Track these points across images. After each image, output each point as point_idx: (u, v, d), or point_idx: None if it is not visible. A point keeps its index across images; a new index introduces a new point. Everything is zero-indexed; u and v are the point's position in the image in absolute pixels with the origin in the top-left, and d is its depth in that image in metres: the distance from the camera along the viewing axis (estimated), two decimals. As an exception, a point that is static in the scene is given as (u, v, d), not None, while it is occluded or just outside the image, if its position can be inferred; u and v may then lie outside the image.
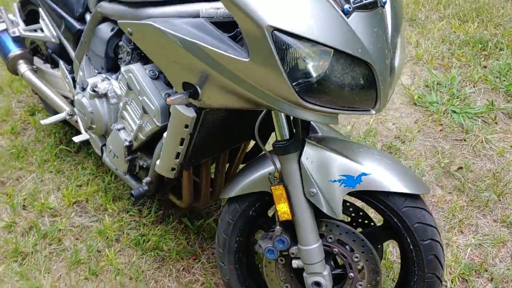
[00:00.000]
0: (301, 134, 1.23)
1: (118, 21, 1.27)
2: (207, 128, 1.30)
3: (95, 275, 1.68)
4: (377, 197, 1.23)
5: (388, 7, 1.07)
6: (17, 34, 1.90)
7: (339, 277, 1.34)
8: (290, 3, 0.92)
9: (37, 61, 2.07)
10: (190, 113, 1.20)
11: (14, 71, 1.98)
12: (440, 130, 2.28)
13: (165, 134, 1.31)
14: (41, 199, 1.97)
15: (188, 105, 1.20)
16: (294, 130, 1.20)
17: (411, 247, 1.25)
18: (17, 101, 2.57)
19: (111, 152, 1.59)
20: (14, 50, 1.95)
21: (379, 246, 1.40)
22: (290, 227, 1.25)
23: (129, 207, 1.92)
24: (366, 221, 1.40)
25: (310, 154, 1.18)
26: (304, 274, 1.27)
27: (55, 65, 1.96)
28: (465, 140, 2.22)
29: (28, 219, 1.89)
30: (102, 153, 1.73)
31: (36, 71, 1.99)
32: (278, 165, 1.21)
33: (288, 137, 1.18)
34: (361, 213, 1.39)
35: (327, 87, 0.99)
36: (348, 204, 1.38)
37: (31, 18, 2.01)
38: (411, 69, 2.69)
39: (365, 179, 1.18)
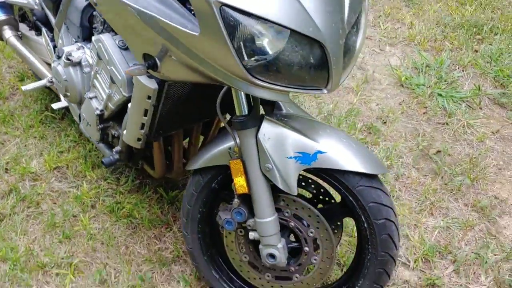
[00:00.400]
0: (264, 110, 1.25)
1: (86, -10, 1.28)
2: (173, 100, 1.32)
3: (69, 239, 1.73)
4: (333, 175, 1.25)
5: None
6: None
7: (296, 251, 1.38)
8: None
9: (24, 27, 2.09)
10: (152, 85, 1.22)
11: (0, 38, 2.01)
12: (424, 113, 2.29)
13: (129, 105, 1.33)
14: (23, 163, 2.02)
15: (151, 76, 1.22)
16: (253, 106, 1.21)
17: (365, 225, 1.27)
18: (8, 66, 2.59)
19: (85, 120, 1.62)
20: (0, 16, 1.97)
21: (338, 223, 1.43)
22: (248, 200, 1.28)
23: (107, 175, 1.96)
24: (326, 198, 1.42)
25: (267, 130, 1.20)
26: (260, 246, 1.31)
27: (39, 32, 1.98)
28: (447, 124, 2.22)
29: (9, 182, 1.94)
30: (80, 121, 1.76)
31: (21, 37, 2.01)
32: (238, 141, 1.23)
33: (246, 113, 1.20)
34: (322, 190, 1.41)
35: (277, 65, 1.00)
36: (310, 181, 1.40)
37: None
38: (402, 50, 2.67)
39: (321, 157, 1.20)
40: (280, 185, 1.21)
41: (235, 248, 1.42)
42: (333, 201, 1.42)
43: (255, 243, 1.35)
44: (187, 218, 1.44)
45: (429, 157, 2.06)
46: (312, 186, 1.42)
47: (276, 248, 1.28)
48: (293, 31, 0.97)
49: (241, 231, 1.37)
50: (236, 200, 1.29)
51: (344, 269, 1.61)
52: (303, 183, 1.40)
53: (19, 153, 2.07)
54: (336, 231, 1.42)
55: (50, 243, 1.73)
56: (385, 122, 2.22)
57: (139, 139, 1.40)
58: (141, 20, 1.06)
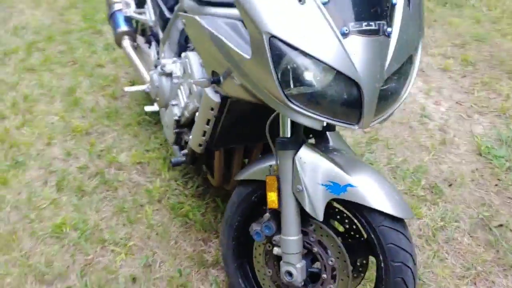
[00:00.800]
0: (305, 137, 1.38)
1: (179, 13, 1.53)
2: (233, 116, 1.50)
3: (131, 223, 1.98)
4: (360, 211, 1.32)
5: (395, 37, 1.17)
6: (128, 14, 2.30)
7: (315, 277, 1.45)
8: (290, 16, 1.09)
9: (141, 40, 2.46)
10: (216, 98, 1.42)
11: (119, 44, 2.38)
12: (496, 185, 2.21)
13: (197, 113, 1.54)
14: (113, 153, 2.34)
15: (217, 92, 1.42)
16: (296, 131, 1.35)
17: (382, 265, 1.31)
18: (125, 72, 3.01)
19: (165, 123, 1.88)
20: (122, 27, 2.35)
21: (364, 261, 1.48)
22: (278, 216, 1.40)
23: (178, 178, 2.20)
24: (357, 235, 1.48)
25: (304, 155, 1.32)
26: (281, 262, 1.41)
27: (151, 45, 2.32)
28: (518, 201, 2.13)
29: (98, 167, 2.26)
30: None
31: (136, 48, 2.37)
32: (278, 160, 1.37)
33: (289, 136, 1.33)
34: (354, 227, 1.48)
35: (315, 97, 1.13)
36: (345, 215, 1.48)
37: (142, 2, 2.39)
38: (491, 120, 2.61)
39: (351, 190, 1.28)
40: (307, 208, 1.31)
41: (261, 261, 1.53)
42: (362, 238, 1.47)
43: (279, 259, 1.45)
44: (226, 224, 1.59)
45: (488, 228, 1.99)
46: (346, 221, 1.49)
47: (294, 267, 1.37)
48: (332, 68, 1.10)
49: (269, 246, 1.49)
50: (267, 214, 1.42)
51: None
52: (338, 217, 1.48)
53: (113, 144, 2.40)
54: (361, 268, 1.47)
55: (115, 223, 1.98)
56: (451, 185, 2.19)
57: (200, 145, 1.60)
58: (212, 41, 1.27)
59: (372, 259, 1.52)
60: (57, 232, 1.93)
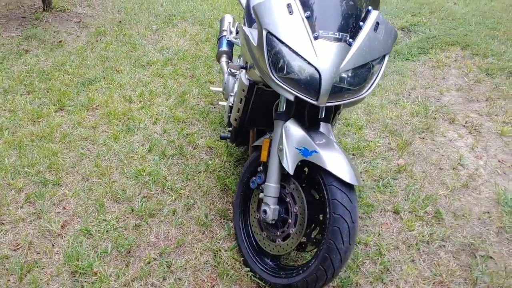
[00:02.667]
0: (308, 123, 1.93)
1: (239, 24, 2.24)
2: (259, 101, 2.12)
3: (188, 180, 2.66)
4: (320, 172, 1.81)
5: (355, 47, 1.71)
6: (229, 39, 3.09)
7: (284, 222, 1.94)
8: (282, 21, 1.70)
9: (236, 59, 3.23)
10: (246, 82, 2.06)
11: (218, 60, 3.18)
12: (500, 227, 2.43)
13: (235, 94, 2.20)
14: (194, 137, 3.08)
15: (248, 78, 2.06)
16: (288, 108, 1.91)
17: (327, 216, 1.77)
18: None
19: (225, 111, 2.56)
20: (223, 48, 3.14)
21: (314, 226, 1.93)
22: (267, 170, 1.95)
23: (231, 161, 2.84)
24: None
25: (289, 125, 1.87)
26: (262, 203, 1.94)
27: (241, 62, 3.07)
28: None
29: (181, 143, 3.02)
30: (227, 113, 2.71)
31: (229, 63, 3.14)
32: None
33: (282, 110, 1.91)
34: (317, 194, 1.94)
35: (289, 74, 1.71)
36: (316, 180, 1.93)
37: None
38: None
39: (315, 155, 1.79)
40: (283, 163, 1.85)
41: (254, 207, 2.08)
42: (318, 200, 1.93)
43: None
44: (239, 180, 2.18)
45: (474, 255, 2.24)
46: (316, 187, 1.95)
47: (269, 207, 1.90)
48: (304, 59, 1.68)
49: (259, 194, 2.03)
50: (260, 168, 1.99)
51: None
52: (306, 181, 1.96)
53: (197, 132, 3.15)
54: (312, 226, 1.93)
55: (176, 178, 2.69)
56: (454, 215, 2.47)
57: (235, 119, 2.24)
58: (245, 40, 1.93)
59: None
60: (136, 174, 2.69)
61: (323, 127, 1.97)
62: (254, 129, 2.35)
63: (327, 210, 1.78)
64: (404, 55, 4.54)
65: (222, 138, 2.48)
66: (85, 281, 2.02)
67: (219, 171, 2.75)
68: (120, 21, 5.19)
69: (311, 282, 1.81)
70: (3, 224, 2.33)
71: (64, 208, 2.44)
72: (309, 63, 1.68)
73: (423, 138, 3.20)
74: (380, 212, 2.50)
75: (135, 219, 2.38)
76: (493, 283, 2.09)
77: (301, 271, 1.87)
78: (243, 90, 2.10)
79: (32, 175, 2.66)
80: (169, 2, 5.87)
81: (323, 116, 1.94)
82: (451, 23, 5.40)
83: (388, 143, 3.11)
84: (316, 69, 1.68)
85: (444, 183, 2.73)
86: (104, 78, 3.85)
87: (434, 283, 2.09)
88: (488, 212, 2.53)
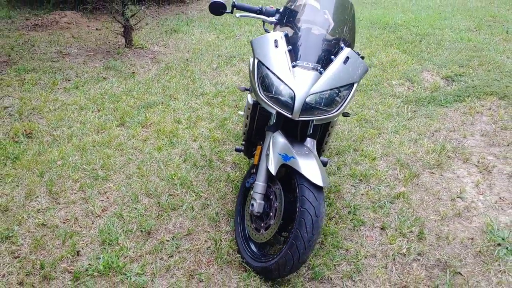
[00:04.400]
0: (299, 136, 2.37)
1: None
2: (262, 120, 2.59)
3: (208, 186, 3.15)
4: (296, 175, 2.23)
5: (325, 75, 2.15)
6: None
7: (267, 215, 2.36)
8: (269, 53, 2.20)
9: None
10: (250, 101, 2.55)
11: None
12: (479, 251, 2.64)
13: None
14: (223, 154, 3.59)
15: (252, 98, 2.55)
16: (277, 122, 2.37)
17: (297, 209, 2.17)
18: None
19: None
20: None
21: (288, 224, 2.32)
22: (259, 172, 2.40)
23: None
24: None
25: (276, 135, 2.32)
26: (251, 198, 2.38)
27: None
28: None
29: (212, 158, 3.54)
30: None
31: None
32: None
33: (272, 124, 2.36)
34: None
35: (271, 93, 2.18)
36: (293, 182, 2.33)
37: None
38: (520, 216, 2.95)
39: (293, 160, 2.22)
40: (268, 165, 2.28)
41: (248, 203, 2.52)
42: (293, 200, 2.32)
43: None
44: (242, 182, 2.64)
45: (446, 271, 2.48)
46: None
47: (256, 201, 2.33)
48: (283, 82, 2.15)
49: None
50: (253, 170, 2.44)
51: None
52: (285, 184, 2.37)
53: (226, 150, 3.66)
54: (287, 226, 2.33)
55: (201, 183, 3.19)
56: (437, 237, 2.72)
57: (244, 133, 2.72)
58: (249, 67, 2.44)
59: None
60: (169, 177, 3.23)
61: (308, 142, 2.41)
62: (261, 142, 2.81)
63: (297, 205, 2.18)
64: (439, 101, 4.80)
65: (237, 150, 2.97)
66: (110, 249, 2.54)
67: (237, 181, 3.22)
68: (187, 59, 5.96)
69: (281, 265, 2.19)
70: (59, 203, 2.94)
71: (107, 197, 3.02)
72: (286, 85, 2.15)
73: (432, 173, 3.46)
74: (369, 227, 2.82)
75: (159, 210, 2.90)
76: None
77: (275, 257, 2.26)
78: (249, 109, 2.59)
79: (87, 171, 3.29)
80: (233, 45, 6.60)
81: (310, 132, 2.38)
82: (497, 75, 5.56)
83: (396, 174, 3.41)
84: (292, 90, 2.14)
85: (437, 210, 2.98)
86: (162, 103, 4.53)
87: (398, 285, 2.37)
88: (472, 239, 2.75)
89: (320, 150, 2.71)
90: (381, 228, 2.80)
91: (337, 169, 3.45)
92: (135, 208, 2.90)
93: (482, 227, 2.85)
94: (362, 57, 2.39)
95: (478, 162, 3.59)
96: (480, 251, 2.64)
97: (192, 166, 3.41)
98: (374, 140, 3.92)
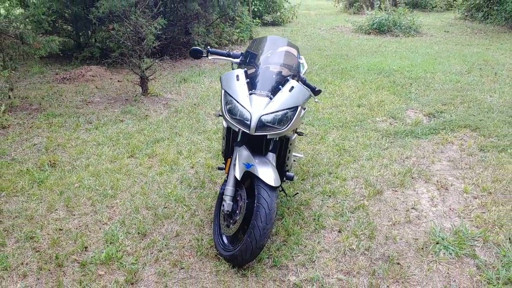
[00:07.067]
0: (264, 150, 2.99)
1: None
2: (233, 139, 3.21)
3: (214, 198, 3.74)
4: (255, 179, 2.81)
5: (275, 100, 2.78)
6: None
7: (234, 213, 2.92)
8: (232, 84, 2.86)
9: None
10: (225, 125, 3.18)
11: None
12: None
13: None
14: (216, 178, 4.20)
15: (225, 123, 3.19)
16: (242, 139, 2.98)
17: (255, 205, 2.74)
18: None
19: (226, 151, 3.69)
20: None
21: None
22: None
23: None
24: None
25: (241, 150, 2.93)
26: (223, 200, 2.96)
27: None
28: None
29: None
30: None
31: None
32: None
33: (238, 140, 2.98)
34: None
35: (234, 115, 2.82)
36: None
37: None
38: (459, 222, 3.41)
39: (253, 167, 2.82)
40: (235, 172, 2.87)
41: (220, 206, 3.09)
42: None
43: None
44: (220, 189, 3.23)
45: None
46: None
47: (226, 202, 2.91)
48: (241, 104, 2.79)
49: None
50: (226, 178, 3.03)
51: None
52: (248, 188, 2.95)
53: (218, 174, 4.27)
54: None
55: (191, 199, 3.78)
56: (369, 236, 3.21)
57: (222, 152, 3.34)
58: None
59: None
60: (166, 195, 3.84)
61: (270, 155, 3.01)
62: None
63: (255, 201, 2.75)
64: (416, 134, 5.34)
65: (219, 168, 3.57)
66: (112, 246, 3.13)
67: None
68: (195, 104, 6.71)
69: (243, 251, 2.74)
70: (73, 215, 3.58)
71: (113, 210, 3.64)
72: (245, 108, 2.79)
73: (395, 190, 3.97)
74: (328, 230, 3.34)
75: (155, 218, 3.49)
76: (385, 275, 2.80)
77: (239, 245, 2.81)
78: (223, 131, 3.23)
79: (99, 191, 3.94)
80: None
81: (270, 148, 2.99)
82: (475, 111, 6.09)
83: (362, 192, 3.93)
84: (248, 111, 2.77)
85: (391, 218, 3.49)
86: (168, 139, 5.22)
87: (343, 271, 2.86)
88: (417, 239, 3.23)
89: (284, 166, 3.30)
90: (338, 231, 3.32)
91: (311, 187, 4.00)
92: (136, 217, 3.51)
93: (428, 230, 3.33)
94: (319, 90, 3.03)
95: (437, 181, 4.09)
96: (421, 248, 3.12)
97: (186, 186, 4.02)
98: (348, 165, 4.48)
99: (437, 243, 3.15)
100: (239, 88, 2.85)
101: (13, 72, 6.31)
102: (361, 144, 5.05)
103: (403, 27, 13.77)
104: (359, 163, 4.54)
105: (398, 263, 2.95)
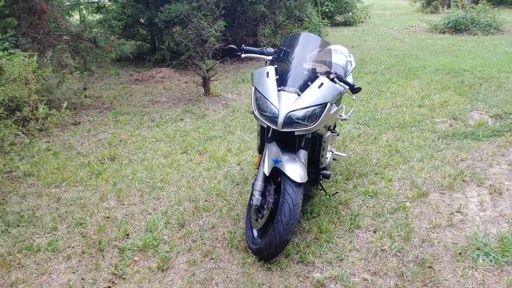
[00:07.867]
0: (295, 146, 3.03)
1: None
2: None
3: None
4: (282, 175, 2.85)
5: (303, 97, 2.80)
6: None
7: (263, 208, 2.98)
8: (262, 82, 2.92)
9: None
10: (259, 122, 3.25)
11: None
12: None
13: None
14: (259, 174, 4.28)
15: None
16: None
17: (280, 199, 2.79)
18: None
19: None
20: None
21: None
22: (261, 174, 3.06)
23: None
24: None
25: (271, 146, 2.98)
26: (252, 195, 3.03)
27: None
28: None
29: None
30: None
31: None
32: (266, 148, 3.07)
33: (269, 136, 3.03)
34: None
35: (263, 111, 2.88)
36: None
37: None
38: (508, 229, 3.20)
39: (281, 163, 2.87)
40: (264, 168, 2.94)
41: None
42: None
43: (256, 198, 3.07)
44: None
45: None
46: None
47: (255, 197, 2.98)
48: (271, 102, 2.84)
49: (257, 192, 3.12)
50: (257, 173, 3.11)
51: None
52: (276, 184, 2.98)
53: (263, 172, 4.34)
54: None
55: (232, 194, 3.89)
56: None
57: (258, 148, 3.42)
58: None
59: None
60: (209, 189, 3.98)
61: (301, 152, 3.04)
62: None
63: (280, 197, 2.80)
64: (477, 136, 5.06)
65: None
66: (151, 234, 3.32)
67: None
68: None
69: (268, 244, 2.80)
70: (123, 204, 3.83)
71: (159, 201, 3.85)
72: (272, 104, 2.84)
73: (443, 193, 3.81)
74: (363, 230, 3.28)
75: (195, 211, 3.64)
76: (414, 278, 2.71)
77: (265, 239, 2.86)
78: (258, 128, 3.30)
79: (149, 183, 4.18)
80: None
81: (302, 145, 3.02)
82: (548, 113, 5.64)
83: (406, 193, 3.82)
84: (277, 108, 2.82)
85: (432, 221, 3.35)
86: (220, 137, 5.39)
87: (370, 271, 2.81)
88: (456, 243, 3.09)
89: (319, 164, 3.30)
90: (373, 231, 3.26)
91: (353, 187, 3.95)
92: (177, 209, 3.68)
93: (470, 235, 3.16)
94: (358, 88, 2.99)
95: (491, 185, 3.86)
96: (459, 253, 2.97)
97: (230, 182, 4.14)
98: (397, 166, 4.35)
99: (478, 249, 2.99)
100: (268, 84, 2.91)
101: (85, 73, 6.82)
102: (414, 145, 4.88)
103: (481, 25, 12.98)
104: (409, 164, 4.39)
105: (430, 267, 2.84)
